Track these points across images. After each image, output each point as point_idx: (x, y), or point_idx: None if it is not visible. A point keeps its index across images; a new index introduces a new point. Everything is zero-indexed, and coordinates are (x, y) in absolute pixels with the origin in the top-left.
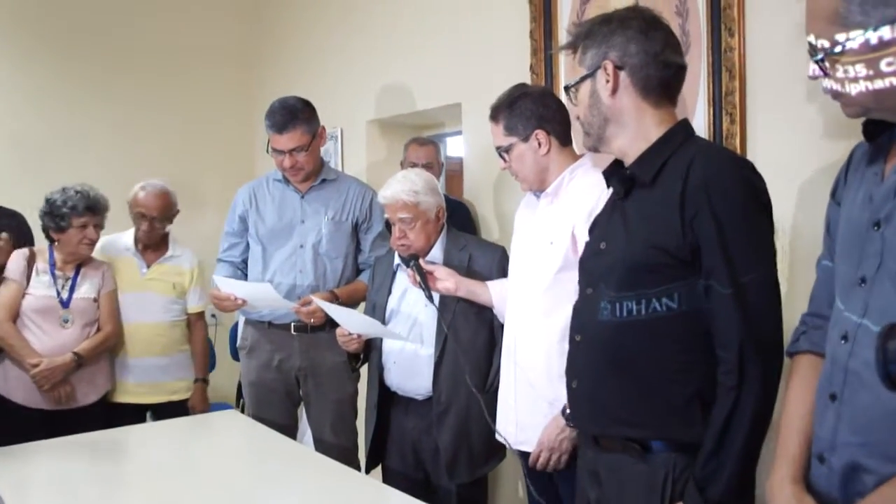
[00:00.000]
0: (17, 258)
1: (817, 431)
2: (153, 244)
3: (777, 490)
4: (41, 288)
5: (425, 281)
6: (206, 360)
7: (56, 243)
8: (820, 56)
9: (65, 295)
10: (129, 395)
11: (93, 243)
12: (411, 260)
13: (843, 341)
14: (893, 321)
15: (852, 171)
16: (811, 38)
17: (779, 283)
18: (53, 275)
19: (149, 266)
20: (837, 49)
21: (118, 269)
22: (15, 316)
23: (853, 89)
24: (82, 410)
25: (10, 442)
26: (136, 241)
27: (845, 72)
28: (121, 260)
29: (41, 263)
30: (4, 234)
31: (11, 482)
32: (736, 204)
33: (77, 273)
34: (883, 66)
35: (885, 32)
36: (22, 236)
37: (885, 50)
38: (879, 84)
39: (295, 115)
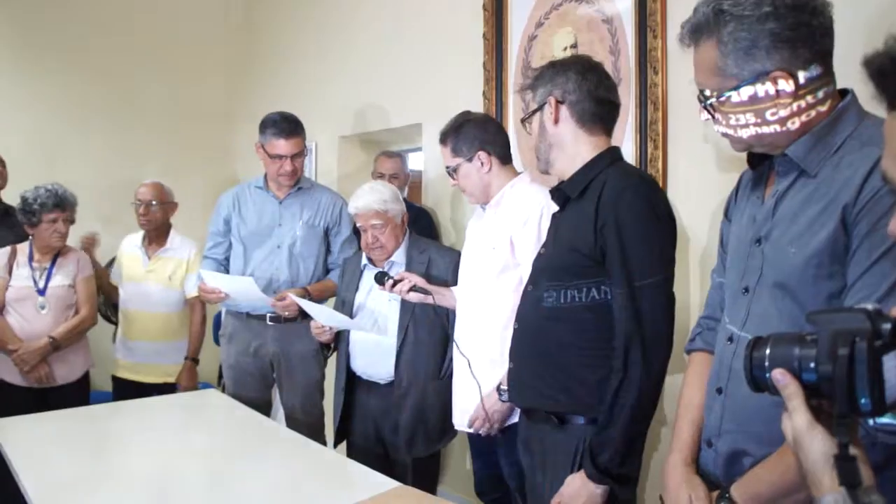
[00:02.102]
0: (0, 255)
1: (706, 420)
2: (155, 236)
3: (671, 471)
4: (20, 279)
5: (390, 282)
6: (199, 342)
7: (32, 237)
8: (707, 102)
9: (41, 284)
10: (128, 372)
11: (63, 236)
12: (383, 277)
13: (728, 342)
14: (762, 334)
15: (741, 194)
16: (703, 88)
17: (671, 289)
18: (31, 266)
19: (150, 258)
20: (723, 97)
21: (126, 264)
22: (0, 306)
23: (745, 133)
24: (69, 387)
25: (8, 415)
26: (143, 235)
27: (737, 120)
28: (129, 256)
29: (21, 257)
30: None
31: (17, 448)
32: (635, 216)
33: (53, 263)
34: (768, 115)
35: (769, 88)
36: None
37: (768, 102)
38: (766, 129)
39: (297, 124)
